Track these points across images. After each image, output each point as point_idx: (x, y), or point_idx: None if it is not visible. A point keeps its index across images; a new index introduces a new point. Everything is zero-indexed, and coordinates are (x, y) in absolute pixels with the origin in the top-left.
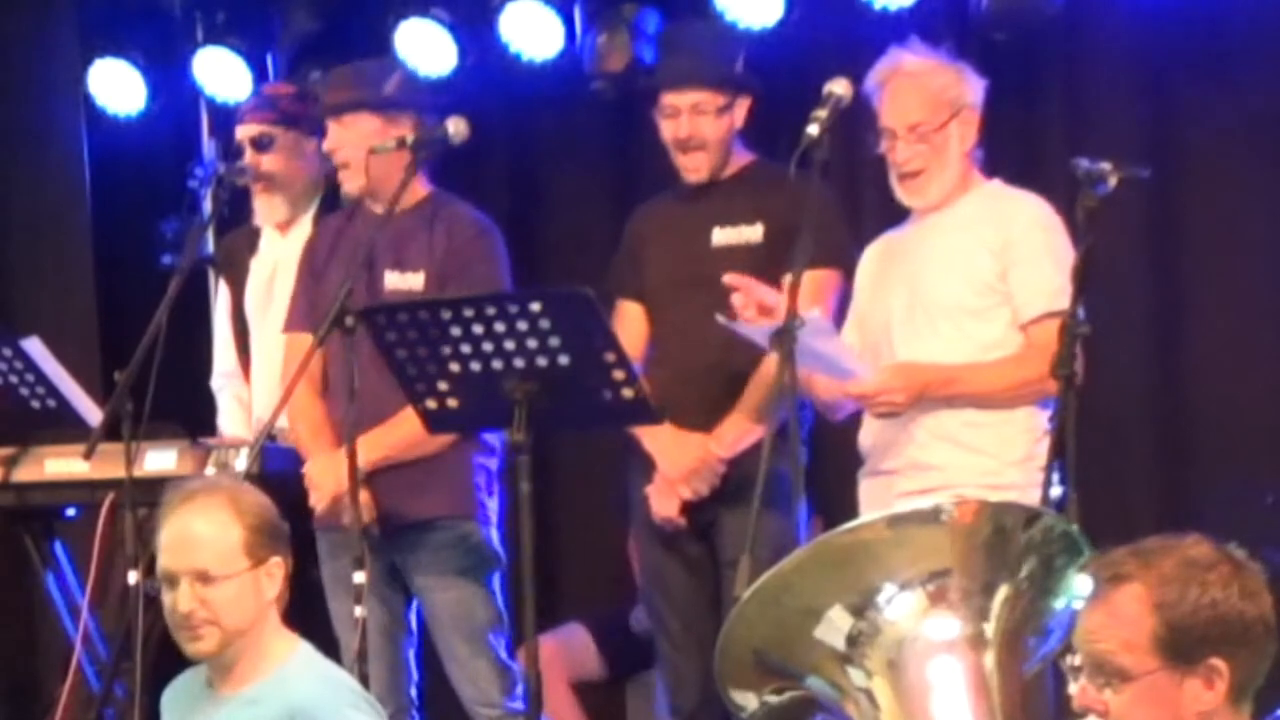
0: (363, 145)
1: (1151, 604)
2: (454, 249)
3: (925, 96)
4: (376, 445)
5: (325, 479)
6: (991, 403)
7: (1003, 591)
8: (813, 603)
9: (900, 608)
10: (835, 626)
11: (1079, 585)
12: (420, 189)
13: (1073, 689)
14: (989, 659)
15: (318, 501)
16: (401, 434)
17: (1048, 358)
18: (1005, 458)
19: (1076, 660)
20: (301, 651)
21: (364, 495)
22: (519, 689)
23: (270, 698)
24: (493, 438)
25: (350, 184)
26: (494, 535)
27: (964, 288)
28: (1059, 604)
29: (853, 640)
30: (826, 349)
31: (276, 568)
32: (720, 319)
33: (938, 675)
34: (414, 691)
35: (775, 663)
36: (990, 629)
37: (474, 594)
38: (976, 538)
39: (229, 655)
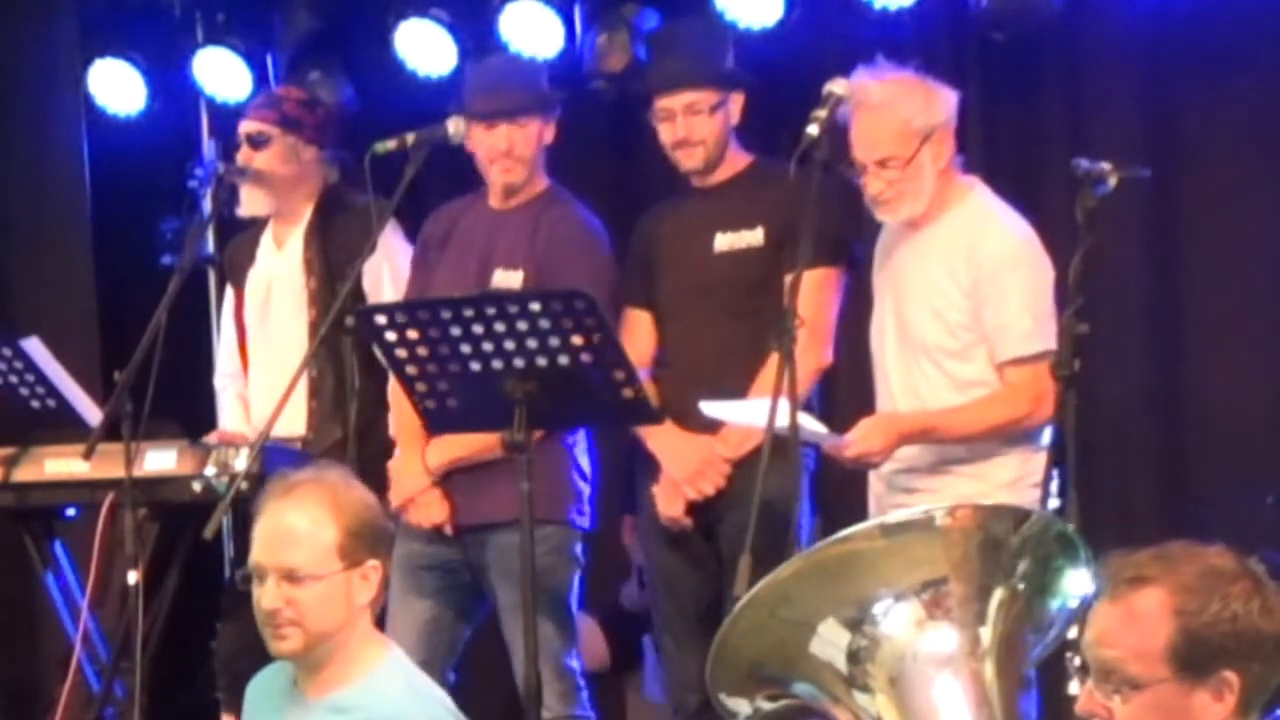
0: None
1: (1171, 610)
2: (555, 252)
3: (893, 130)
4: (448, 447)
5: (403, 478)
6: (970, 443)
7: (999, 594)
8: (809, 615)
9: (897, 620)
10: (833, 643)
11: (1085, 584)
12: (542, 184)
13: (1073, 688)
14: (989, 667)
15: (395, 498)
16: (474, 436)
17: (1022, 399)
18: (995, 480)
19: (1078, 661)
20: (392, 659)
21: (435, 496)
22: (583, 696)
23: (358, 707)
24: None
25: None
26: (577, 539)
27: (940, 330)
28: (1055, 603)
29: (854, 657)
30: (807, 433)
31: (373, 571)
32: (704, 406)
33: (941, 692)
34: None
35: (773, 674)
36: (988, 634)
37: (551, 595)
38: (971, 543)
39: (314, 657)
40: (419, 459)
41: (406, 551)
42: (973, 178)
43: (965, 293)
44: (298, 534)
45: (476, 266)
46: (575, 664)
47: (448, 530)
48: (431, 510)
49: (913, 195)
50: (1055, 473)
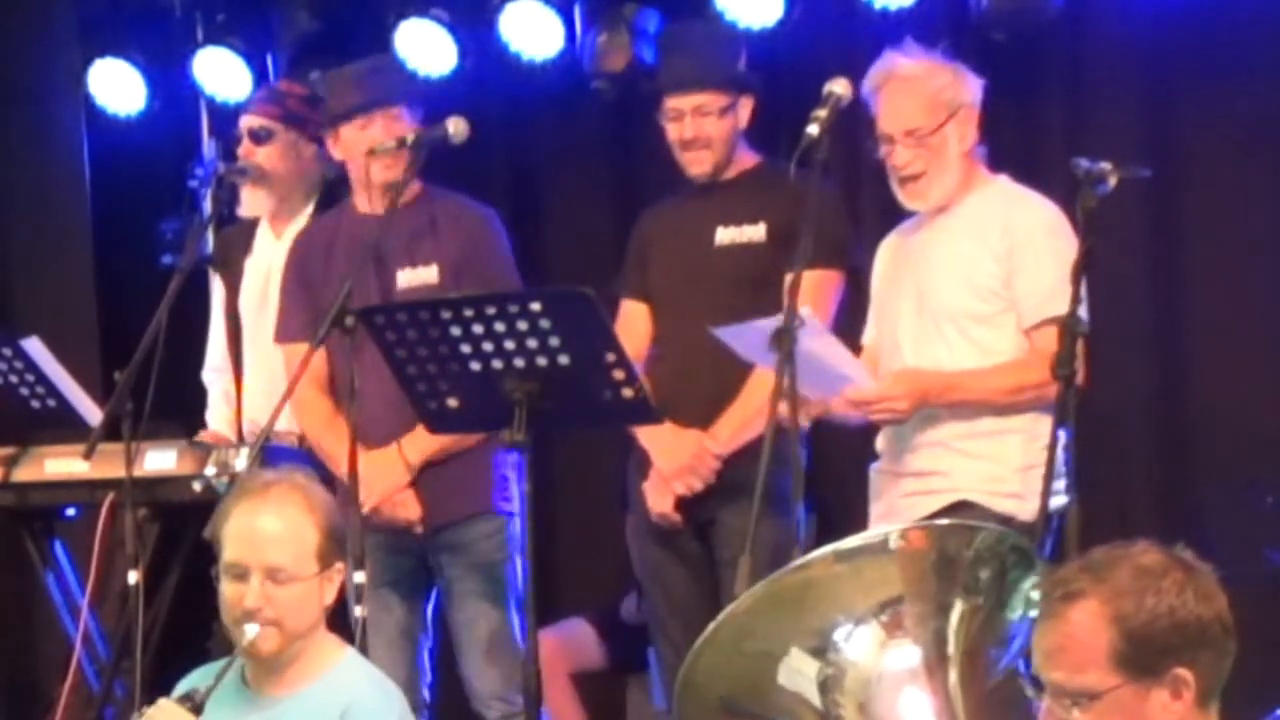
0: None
1: (1108, 618)
2: (466, 241)
3: (921, 100)
4: (422, 444)
5: (378, 476)
6: (994, 407)
7: (958, 609)
8: (772, 647)
9: (858, 645)
10: (802, 673)
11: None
12: (415, 184)
13: (1030, 695)
14: (952, 677)
15: (368, 499)
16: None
17: (1049, 362)
18: (1010, 464)
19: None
20: (350, 655)
21: (410, 494)
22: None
23: (327, 703)
24: None
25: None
26: (518, 526)
27: (969, 294)
28: (1015, 614)
29: (824, 688)
30: (824, 351)
31: (338, 574)
32: (715, 330)
33: (906, 707)
34: (427, 693)
35: (748, 709)
36: (950, 649)
37: (500, 588)
38: (925, 562)
39: (282, 658)
40: (395, 456)
41: (373, 565)
42: (1001, 175)
43: (997, 257)
44: (282, 534)
45: (375, 272)
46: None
47: (418, 530)
48: (408, 507)
49: (938, 173)
50: (1063, 470)
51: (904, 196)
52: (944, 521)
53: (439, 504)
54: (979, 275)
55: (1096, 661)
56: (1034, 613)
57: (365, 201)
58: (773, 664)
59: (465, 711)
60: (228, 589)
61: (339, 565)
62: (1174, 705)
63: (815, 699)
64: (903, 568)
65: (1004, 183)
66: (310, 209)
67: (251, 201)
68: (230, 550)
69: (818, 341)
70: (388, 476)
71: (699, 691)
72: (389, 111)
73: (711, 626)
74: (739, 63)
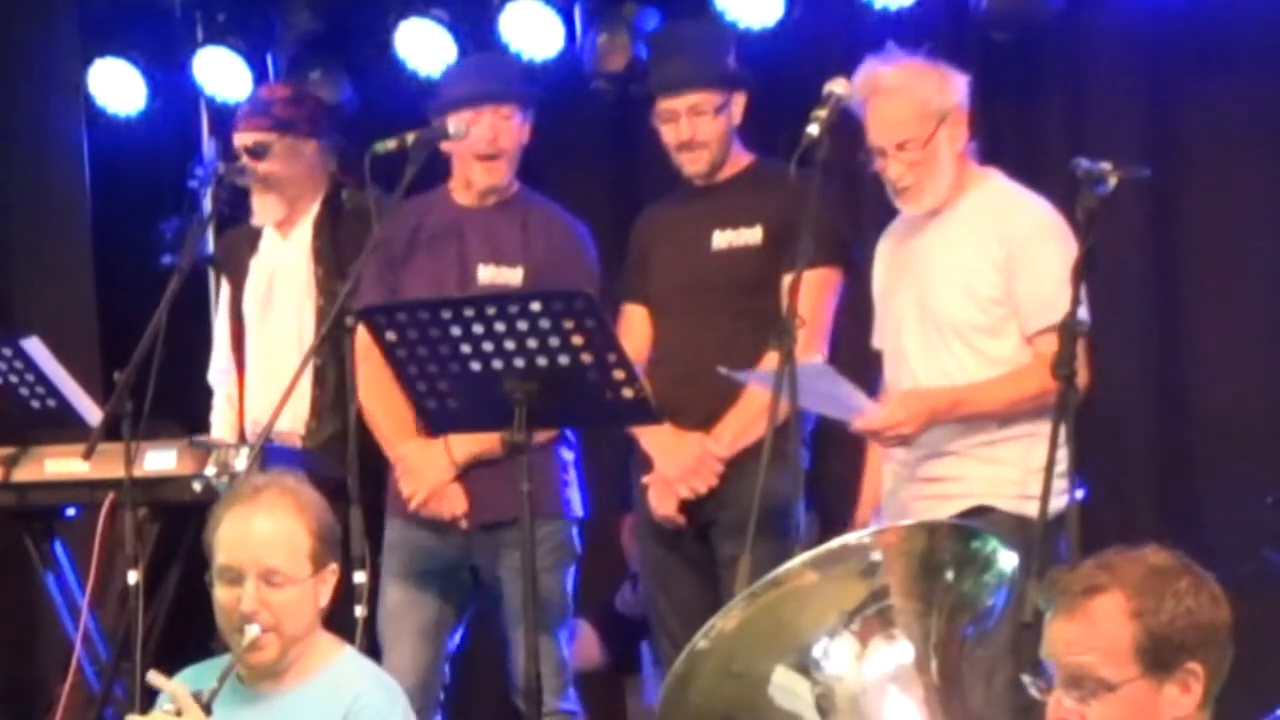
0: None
1: (1131, 612)
2: (554, 249)
3: (909, 112)
4: (470, 440)
5: (426, 468)
6: (1002, 418)
7: (935, 600)
8: (758, 667)
9: (838, 659)
10: (795, 693)
11: (1009, 561)
12: (514, 184)
13: (1033, 692)
14: (934, 667)
15: (415, 492)
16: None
17: (1051, 367)
18: (1028, 466)
19: (1042, 679)
20: (349, 653)
21: (457, 488)
22: (571, 691)
23: (329, 698)
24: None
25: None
26: (575, 531)
27: (971, 305)
28: (986, 600)
29: (821, 708)
30: (830, 390)
31: (331, 575)
32: (722, 370)
33: (892, 710)
34: (442, 694)
35: None
36: (934, 640)
37: (552, 590)
38: (903, 561)
39: (282, 662)
40: (443, 450)
41: (410, 556)
42: (989, 167)
43: (997, 266)
44: (275, 537)
45: (457, 263)
46: (569, 658)
47: (463, 525)
48: (453, 501)
49: (931, 181)
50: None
51: (900, 203)
52: (908, 522)
53: (494, 501)
54: (979, 285)
55: (1118, 654)
56: (1003, 586)
57: (462, 193)
58: (763, 684)
59: (472, 713)
60: (223, 594)
61: (332, 567)
62: (1182, 700)
63: (815, 718)
64: (872, 572)
65: (997, 179)
66: (317, 206)
67: (264, 210)
68: (223, 554)
69: (822, 382)
70: (434, 471)
71: (695, 714)
72: (499, 110)
73: (685, 654)
74: (729, 59)
